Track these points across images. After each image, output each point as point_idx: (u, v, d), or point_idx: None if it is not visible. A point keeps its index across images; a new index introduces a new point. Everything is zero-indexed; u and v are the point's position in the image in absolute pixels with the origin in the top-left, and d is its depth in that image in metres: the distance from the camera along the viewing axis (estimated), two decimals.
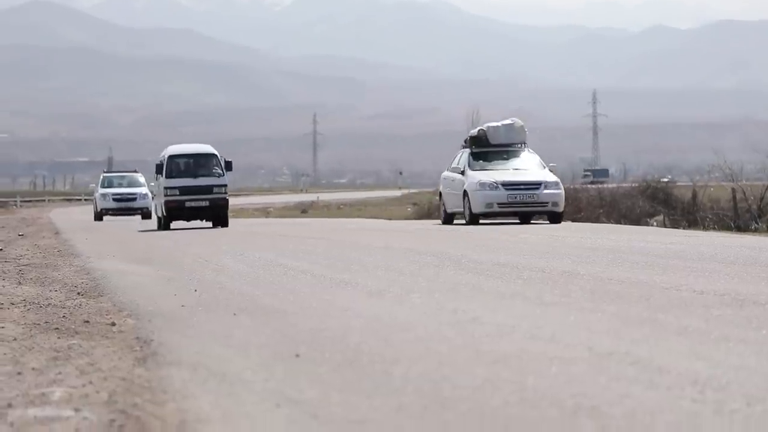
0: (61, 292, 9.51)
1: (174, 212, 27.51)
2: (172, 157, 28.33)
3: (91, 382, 4.94)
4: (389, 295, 8.30)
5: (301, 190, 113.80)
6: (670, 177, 47.50)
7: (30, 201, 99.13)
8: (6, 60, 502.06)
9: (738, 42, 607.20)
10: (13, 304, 8.55)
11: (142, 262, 13.42)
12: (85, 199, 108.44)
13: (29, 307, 8.34)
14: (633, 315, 6.56)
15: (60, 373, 5.23)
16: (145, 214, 40.83)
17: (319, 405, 4.31)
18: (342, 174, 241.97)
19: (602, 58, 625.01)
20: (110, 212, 41.92)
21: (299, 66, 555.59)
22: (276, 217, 48.17)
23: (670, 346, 5.34)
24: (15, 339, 6.50)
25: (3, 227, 29.41)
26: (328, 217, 43.43)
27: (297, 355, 5.44)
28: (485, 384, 4.55)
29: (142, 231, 26.76)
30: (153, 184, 30.49)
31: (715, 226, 26.84)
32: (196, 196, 27.44)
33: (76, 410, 4.36)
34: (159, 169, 28.43)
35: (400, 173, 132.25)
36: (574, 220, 28.61)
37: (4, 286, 10.12)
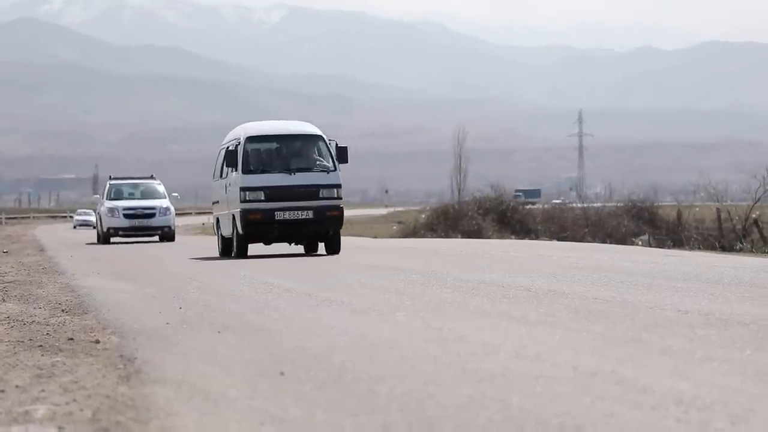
0: (45, 310, 9.47)
1: (256, 228, 18.08)
2: (252, 140, 18.63)
3: (75, 400, 4.92)
4: (374, 313, 8.30)
5: None
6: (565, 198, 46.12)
7: (15, 218, 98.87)
8: None
9: (725, 63, 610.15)
10: None
11: (127, 280, 13.38)
12: (70, 216, 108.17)
13: (13, 324, 8.31)
14: (618, 334, 6.57)
15: (43, 390, 5.21)
16: (167, 235, 31.72)
17: (304, 423, 4.31)
18: None
19: (590, 79, 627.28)
20: (121, 232, 31.65)
21: (287, 84, 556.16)
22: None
23: (654, 366, 5.34)
24: None
25: None
26: None
27: (282, 373, 5.43)
28: (470, 402, 4.55)
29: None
30: (219, 180, 19.93)
31: (700, 246, 26.93)
32: (293, 203, 18.14)
33: (60, 428, 4.34)
34: (230, 158, 18.55)
35: (386, 192, 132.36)
36: (559, 239, 28.64)
37: None
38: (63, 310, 9.35)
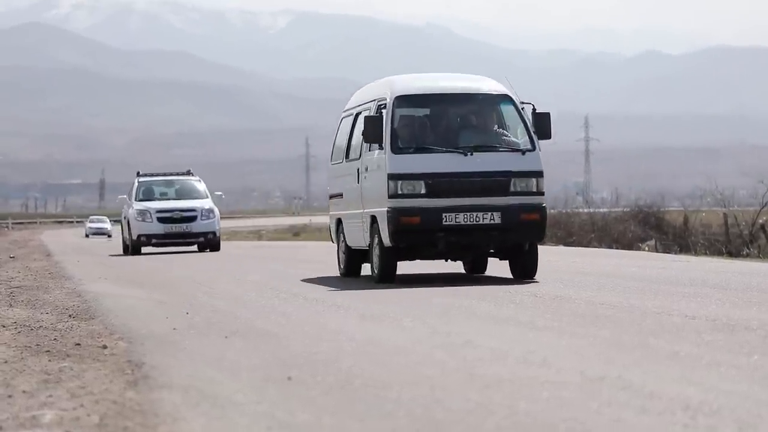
0: (52, 315, 9.49)
1: (413, 237, 11.93)
2: (406, 102, 12.41)
3: (82, 405, 4.93)
4: (382, 318, 8.30)
5: (294, 213, 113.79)
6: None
7: (22, 223, 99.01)
8: (0, 81, 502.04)
9: (731, 68, 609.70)
10: (4, 326, 8.53)
11: (134, 285, 13.39)
12: (77, 222, 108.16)
13: (20, 329, 8.32)
14: (625, 340, 6.56)
15: (51, 395, 5.22)
16: (210, 243, 25.90)
17: (311, 428, 4.31)
18: None
19: (596, 83, 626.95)
20: (154, 240, 25.62)
21: (293, 88, 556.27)
22: (269, 240, 48.12)
23: (661, 371, 5.34)
24: (6, 361, 6.48)
25: None
26: (321, 240, 43.36)
27: (289, 378, 5.44)
28: (478, 408, 4.55)
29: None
30: (343, 164, 13.68)
31: (707, 252, 26.88)
32: (470, 199, 11.91)
33: None
34: (369, 129, 12.24)
35: None
36: (566, 245, 28.62)
37: None
38: (70, 316, 9.36)
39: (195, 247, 26.68)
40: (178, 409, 4.78)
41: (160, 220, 25.68)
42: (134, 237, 25.69)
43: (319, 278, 13.49)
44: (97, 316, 9.21)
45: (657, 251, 28.24)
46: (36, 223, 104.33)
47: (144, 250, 26.04)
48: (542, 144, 12.41)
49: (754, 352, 5.92)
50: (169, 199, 26.67)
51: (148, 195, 26.70)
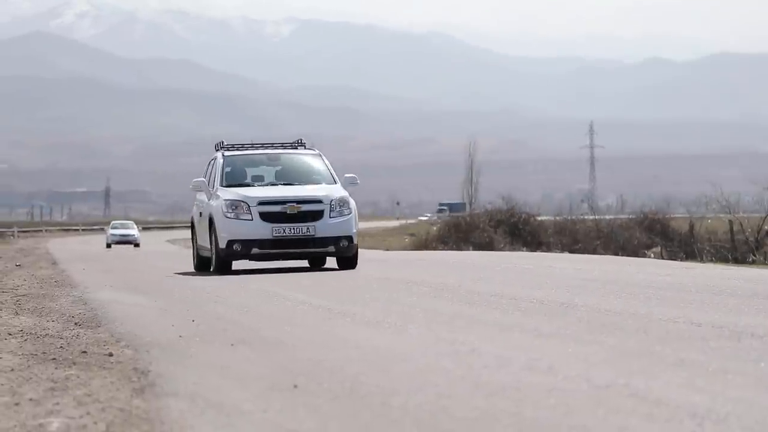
0: (58, 323, 9.49)
1: None
2: None
3: (88, 413, 4.93)
4: (387, 325, 8.30)
5: None
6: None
7: (27, 231, 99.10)
8: (5, 90, 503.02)
9: (735, 74, 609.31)
10: (10, 334, 8.54)
11: (140, 293, 13.40)
12: (83, 230, 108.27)
13: (26, 337, 8.33)
14: (631, 347, 6.56)
15: (58, 403, 5.22)
16: (341, 255, 16.76)
17: None
18: None
19: (599, 90, 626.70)
20: (256, 250, 16.22)
21: (297, 97, 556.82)
22: None
23: (668, 379, 5.33)
24: (12, 369, 6.49)
25: (0, 258, 29.39)
26: None
27: (295, 386, 5.44)
28: (484, 415, 4.55)
29: None
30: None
31: (713, 258, 26.87)
32: None
33: None
34: None
35: (398, 204, 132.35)
36: (571, 251, 28.61)
37: (1, 317, 10.11)
38: (76, 323, 9.37)
39: (306, 262, 17.87)
40: (184, 416, 4.78)
41: (266, 217, 15.98)
42: (222, 245, 15.92)
43: (323, 286, 13.62)
44: (103, 324, 9.22)
45: (662, 258, 28.23)
46: (41, 231, 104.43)
47: (237, 264, 16.84)
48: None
49: (761, 360, 5.91)
50: (275, 184, 16.90)
51: (237, 178, 16.86)
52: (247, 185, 16.84)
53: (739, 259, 26.00)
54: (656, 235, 36.03)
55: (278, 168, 17.32)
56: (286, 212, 15.99)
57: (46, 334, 8.50)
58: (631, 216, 41.86)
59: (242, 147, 18.08)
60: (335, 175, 17.22)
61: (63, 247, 49.29)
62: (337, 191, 16.70)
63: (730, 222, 30.47)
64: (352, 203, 16.78)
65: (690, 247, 30.63)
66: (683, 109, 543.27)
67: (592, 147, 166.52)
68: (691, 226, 33.50)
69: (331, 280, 14.62)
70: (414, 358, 6.36)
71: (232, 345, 7.33)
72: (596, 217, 42.52)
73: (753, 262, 24.51)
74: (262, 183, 17.08)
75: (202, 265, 17.24)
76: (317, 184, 16.93)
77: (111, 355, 7.06)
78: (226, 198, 16.21)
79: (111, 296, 12.78)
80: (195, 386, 5.61)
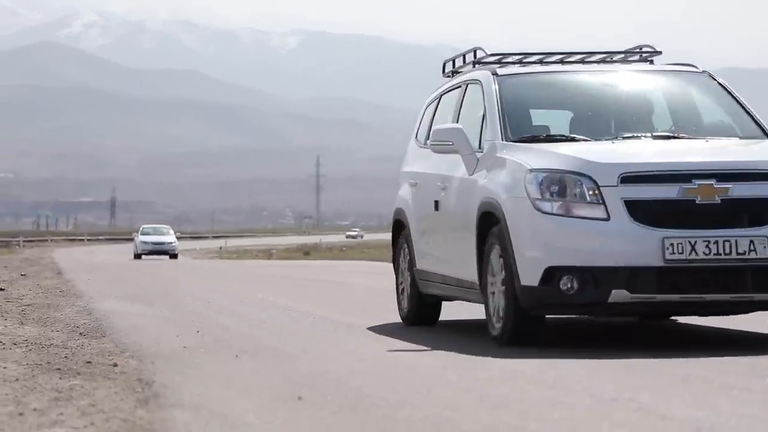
0: (63, 333, 9.50)
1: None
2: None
3: (92, 423, 4.93)
4: (392, 337, 8.29)
5: (304, 232, 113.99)
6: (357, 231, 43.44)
7: (33, 241, 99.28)
8: (12, 100, 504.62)
9: (743, 89, 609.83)
10: (15, 344, 8.55)
11: (144, 303, 13.41)
12: (88, 240, 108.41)
13: (31, 347, 8.33)
14: (636, 361, 6.55)
15: (62, 413, 5.22)
16: None
17: None
18: (345, 216, 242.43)
19: None
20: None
21: (303, 108, 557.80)
22: (279, 259, 48.14)
23: (673, 393, 5.32)
24: (17, 379, 6.49)
25: (5, 267, 29.43)
26: (331, 259, 43.42)
27: (299, 398, 5.44)
28: (488, 429, 4.54)
29: None
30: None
31: None
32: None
33: None
34: None
35: None
36: None
37: (6, 326, 10.12)
38: (81, 333, 9.37)
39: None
40: (188, 427, 4.78)
41: (643, 213, 6.95)
42: (530, 277, 7.08)
43: (326, 296, 13.75)
44: (107, 334, 9.22)
45: None
46: (47, 240, 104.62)
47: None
48: None
49: (767, 375, 5.90)
50: (634, 136, 7.73)
51: (534, 128, 8.04)
52: (570, 140, 7.67)
53: None
54: None
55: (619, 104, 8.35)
56: (695, 201, 6.92)
57: (51, 344, 8.50)
58: None
59: (525, 60, 8.85)
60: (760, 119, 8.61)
61: (69, 257, 49.36)
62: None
63: None
64: None
65: None
66: None
67: None
68: None
69: (332, 293, 14.59)
70: (419, 370, 6.36)
71: (236, 356, 7.33)
72: None
73: None
74: (603, 136, 7.78)
75: (423, 312, 9.25)
76: (730, 136, 8.43)
77: (115, 365, 7.06)
78: (537, 166, 7.16)
79: (115, 306, 12.79)
80: (199, 397, 5.61)
